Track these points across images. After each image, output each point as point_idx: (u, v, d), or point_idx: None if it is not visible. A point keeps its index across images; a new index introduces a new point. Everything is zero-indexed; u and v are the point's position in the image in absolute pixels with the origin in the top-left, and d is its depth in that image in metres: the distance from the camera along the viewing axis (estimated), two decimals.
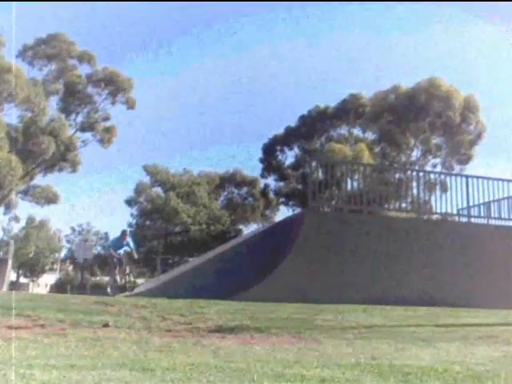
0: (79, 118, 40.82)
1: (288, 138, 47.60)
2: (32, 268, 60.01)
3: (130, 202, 49.62)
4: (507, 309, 11.58)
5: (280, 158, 48.95)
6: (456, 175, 17.29)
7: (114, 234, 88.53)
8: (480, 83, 65.63)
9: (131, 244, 16.27)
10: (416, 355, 5.33)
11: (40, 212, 75.54)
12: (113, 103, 40.92)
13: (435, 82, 37.76)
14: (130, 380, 3.36)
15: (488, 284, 13.43)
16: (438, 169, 39.68)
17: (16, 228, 54.48)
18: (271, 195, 50.81)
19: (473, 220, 15.65)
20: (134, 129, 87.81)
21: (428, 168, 39.11)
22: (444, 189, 16.83)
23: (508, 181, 15.44)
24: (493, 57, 77.50)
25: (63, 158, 39.02)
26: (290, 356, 5.14)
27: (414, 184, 15.78)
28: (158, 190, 49.74)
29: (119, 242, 16.03)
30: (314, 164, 16.49)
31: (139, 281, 52.86)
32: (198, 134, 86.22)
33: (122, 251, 15.84)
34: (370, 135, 43.62)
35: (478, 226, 15.45)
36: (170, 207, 46.04)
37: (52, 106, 39.24)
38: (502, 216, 15.65)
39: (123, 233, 16.49)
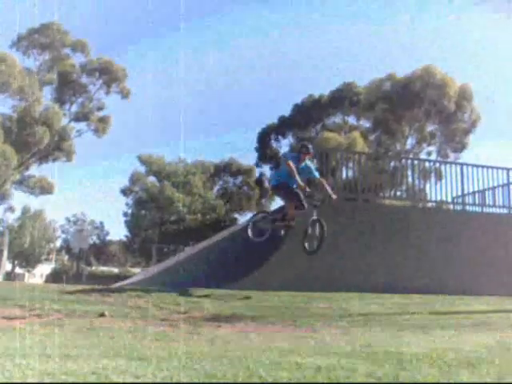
0: (73, 108, 40.76)
1: (282, 126, 47.52)
2: (27, 258, 60.01)
3: (125, 192, 49.60)
4: (502, 296, 11.65)
5: (275, 146, 48.90)
6: (451, 163, 17.29)
7: (109, 224, 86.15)
8: (476, 71, 65.50)
9: (314, 171, 10.18)
10: (411, 342, 5.36)
11: (35, 202, 75.78)
12: (107, 93, 40.80)
13: (430, 70, 37.70)
14: (126, 369, 3.36)
15: (483, 272, 13.48)
16: (433, 157, 39.77)
17: (11, 218, 54.44)
18: (266, 184, 50.67)
19: (467, 208, 15.69)
20: (129, 118, 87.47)
21: (423, 156, 39.16)
22: (439, 177, 16.86)
23: (502, 168, 15.47)
24: (490, 45, 77.37)
25: (58, 147, 38.91)
26: (285, 344, 5.15)
27: (409, 172, 15.77)
28: (153, 179, 49.67)
29: (297, 163, 9.76)
30: None
31: (134, 270, 53.03)
32: (193, 123, 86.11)
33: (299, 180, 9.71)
34: (365, 123, 43.59)
35: (472, 214, 15.50)
36: (165, 196, 46.03)
37: (46, 96, 39.17)
38: (497, 204, 15.70)
39: (304, 150, 9.79)
